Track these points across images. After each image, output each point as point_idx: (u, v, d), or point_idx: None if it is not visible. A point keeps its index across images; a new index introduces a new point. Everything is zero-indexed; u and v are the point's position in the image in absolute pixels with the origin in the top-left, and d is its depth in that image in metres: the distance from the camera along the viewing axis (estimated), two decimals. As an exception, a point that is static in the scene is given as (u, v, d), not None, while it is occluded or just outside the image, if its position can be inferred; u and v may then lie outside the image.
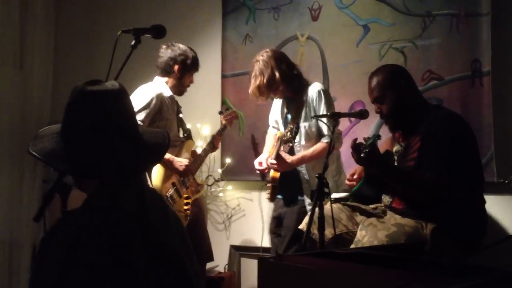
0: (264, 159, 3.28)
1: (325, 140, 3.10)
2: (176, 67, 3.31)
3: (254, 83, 3.18)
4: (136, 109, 3.14)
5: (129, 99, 1.55)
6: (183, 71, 3.32)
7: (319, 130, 3.18)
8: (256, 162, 3.33)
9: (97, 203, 1.38)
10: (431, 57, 3.35)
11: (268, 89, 3.17)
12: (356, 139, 2.50)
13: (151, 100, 3.19)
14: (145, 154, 1.51)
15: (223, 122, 3.72)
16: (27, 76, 4.16)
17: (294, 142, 3.09)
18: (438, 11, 3.33)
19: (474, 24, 3.21)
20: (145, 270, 1.30)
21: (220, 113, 3.81)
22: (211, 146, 3.58)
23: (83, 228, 1.31)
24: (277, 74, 3.15)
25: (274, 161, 3.08)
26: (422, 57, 3.37)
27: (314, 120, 3.17)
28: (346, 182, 2.80)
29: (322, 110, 3.13)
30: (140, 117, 3.14)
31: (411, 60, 3.38)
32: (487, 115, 3.13)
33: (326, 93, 3.21)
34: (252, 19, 4.01)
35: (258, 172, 3.35)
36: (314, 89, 3.19)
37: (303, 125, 3.19)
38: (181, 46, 3.36)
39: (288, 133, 3.04)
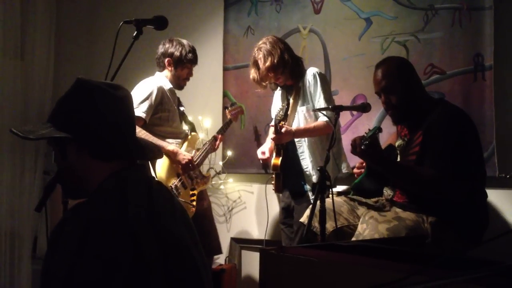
0: (267, 149, 3.29)
1: (324, 119, 3.09)
2: (166, 61, 3.36)
3: (263, 64, 3.17)
4: (138, 101, 3.16)
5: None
6: (173, 65, 3.37)
7: (316, 113, 3.18)
8: (259, 152, 3.34)
9: (107, 195, 1.38)
10: (434, 51, 3.34)
11: (277, 70, 3.17)
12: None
13: (152, 92, 3.24)
14: (148, 144, 1.60)
15: (229, 116, 3.70)
16: (28, 67, 4.15)
17: (289, 123, 3.10)
18: (440, 5, 3.32)
19: (476, 18, 3.20)
20: (155, 262, 1.30)
21: (226, 108, 3.80)
22: (212, 146, 3.54)
23: (94, 221, 1.31)
24: (286, 56, 3.17)
25: (274, 135, 3.09)
26: (424, 51, 3.36)
27: (311, 103, 3.17)
28: (355, 170, 2.80)
29: (319, 93, 3.15)
30: (142, 108, 3.16)
31: (413, 54, 3.37)
32: (489, 110, 3.12)
33: (321, 76, 3.22)
34: (254, 11, 4.00)
35: (261, 161, 3.35)
36: (309, 73, 3.21)
37: (301, 109, 3.20)
38: (176, 41, 3.39)
39: (280, 112, 3.06)
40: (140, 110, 3.17)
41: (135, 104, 3.11)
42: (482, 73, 3.16)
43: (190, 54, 3.38)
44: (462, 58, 3.24)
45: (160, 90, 3.28)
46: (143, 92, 3.22)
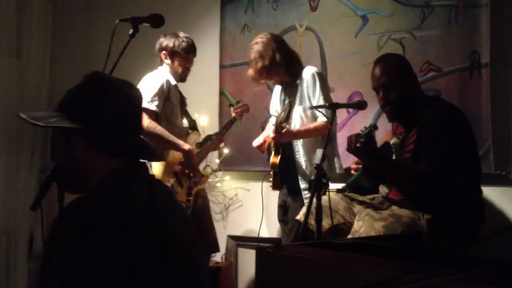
0: (262, 138, 3.26)
1: (324, 119, 3.07)
2: (162, 55, 3.34)
3: (255, 66, 3.14)
4: (151, 94, 3.15)
5: None
6: (169, 57, 3.33)
7: (313, 113, 3.16)
8: (255, 142, 3.29)
9: (109, 190, 1.37)
10: (430, 48, 3.34)
11: (270, 71, 3.14)
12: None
13: (162, 85, 3.22)
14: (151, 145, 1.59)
15: (233, 115, 3.65)
16: (24, 65, 4.14)
17: (289, 123, 3.07)
18: (437, 2, 3.32)
19: (473, 15, 3.20)
20: (157, 259, 1.29)
21: (230, 105, 3.76)
22: (216, 145, 3.54)
23: (96, 214, 1.30)
24: (278, 57, 3.13)
25: (273, 134, 3.07)
26: (420, 48, 3.36)
27: (308, 104, 3.15)
28: (352, 166, 2.79)
29: (318, 94, 3.10)
30: (155, 102, 3.15)
31: (409, 51, 3.37)
32: (485, 107, 3.12)
33: (320, 76, 3.17)
34: (250, 9, 4.00)
35: (256, 148, 3.30)
36: (307, 72, 3.15)
37: (297, 109, 3.17)
38: (170, 34, 3.34)
39: (282, 113, 3.03)
40: (153, 104, 3.15)
41: (148, 97, 3.12)
42: (478, 70, 3.17)
43: (184, 44, 3.32)
44: (458, 56, 3.24)
45: (168, 84, 3.26)
46: (155, 85, 3.18)
